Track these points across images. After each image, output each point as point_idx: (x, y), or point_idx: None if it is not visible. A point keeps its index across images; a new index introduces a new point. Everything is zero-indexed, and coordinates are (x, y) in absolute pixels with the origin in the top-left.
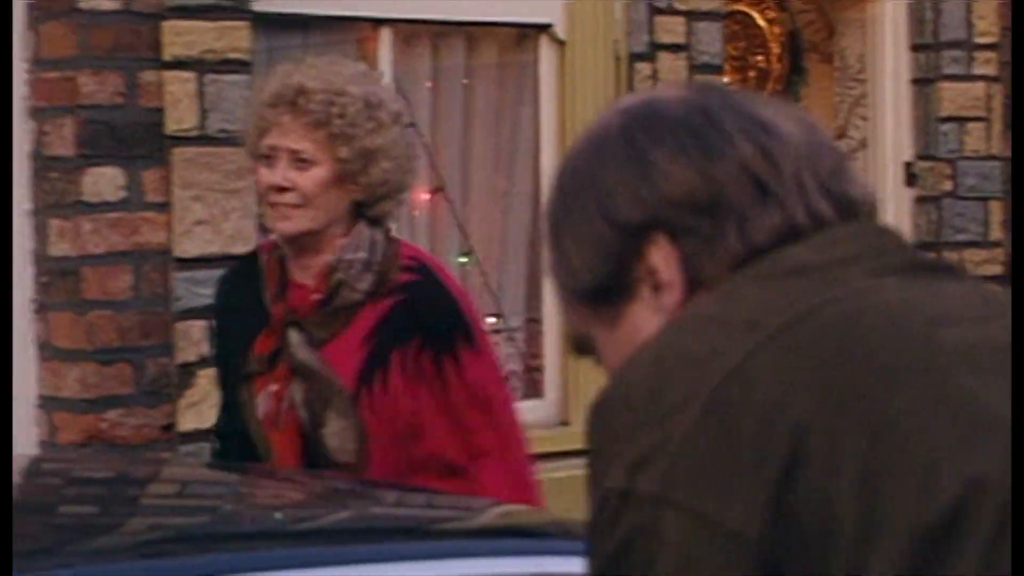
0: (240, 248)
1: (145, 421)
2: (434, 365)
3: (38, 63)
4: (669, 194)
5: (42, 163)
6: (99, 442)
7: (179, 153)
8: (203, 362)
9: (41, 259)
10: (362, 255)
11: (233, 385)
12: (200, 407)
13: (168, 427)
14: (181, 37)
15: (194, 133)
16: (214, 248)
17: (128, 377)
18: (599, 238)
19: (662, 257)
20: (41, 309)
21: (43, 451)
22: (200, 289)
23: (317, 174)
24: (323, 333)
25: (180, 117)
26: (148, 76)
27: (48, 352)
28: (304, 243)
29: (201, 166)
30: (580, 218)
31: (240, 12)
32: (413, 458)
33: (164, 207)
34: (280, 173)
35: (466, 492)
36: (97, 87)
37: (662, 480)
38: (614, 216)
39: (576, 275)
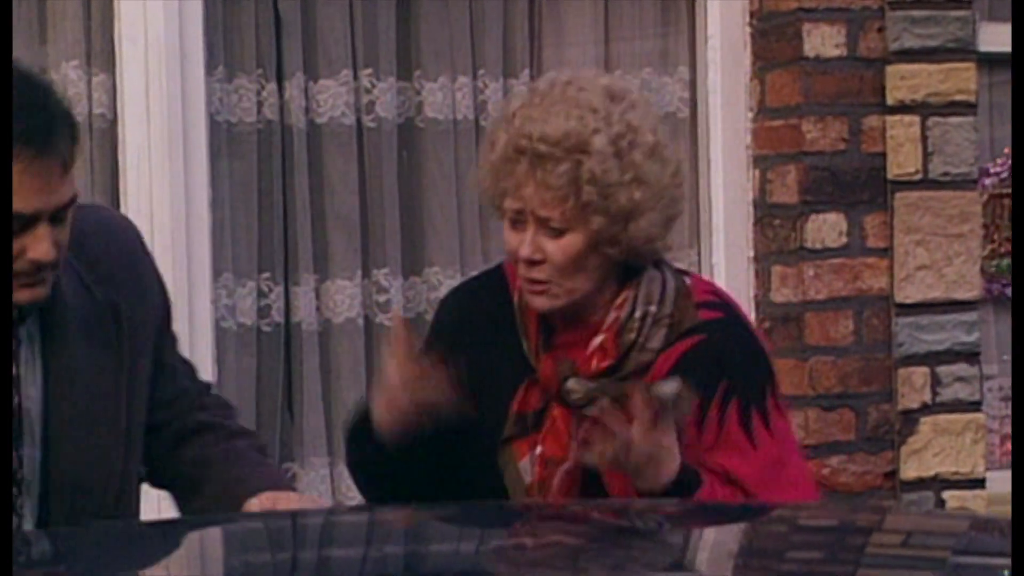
0: (963, 294)
1: (867, 468)
2: (741, 418)
3: (762, 111)
4: None
5: (765, 210)
6: (822, 489)
7: (901, 198)
8: (925, 408)
9: (763, 305)
10: (652, 308)
11: (474, 439)
12: (923, 455)
13: (890, 474)
14: (905, 81)
15: (917, 177)
16: (936, 293)
17: (850, 423)
18: None
19: None
20: None
21: None
22: (922, 335)
23: (571, 243)
24: (611, 399)
25: (902, 162)
26: (871, 121)
27: None
28: (568, 311)
29: (923, 210)
30: None
31: (965, 52)
32: None
33: (886, 252)
34: (529, 241)
35: None
36: (820, 134)
37: None
38: None
39: None
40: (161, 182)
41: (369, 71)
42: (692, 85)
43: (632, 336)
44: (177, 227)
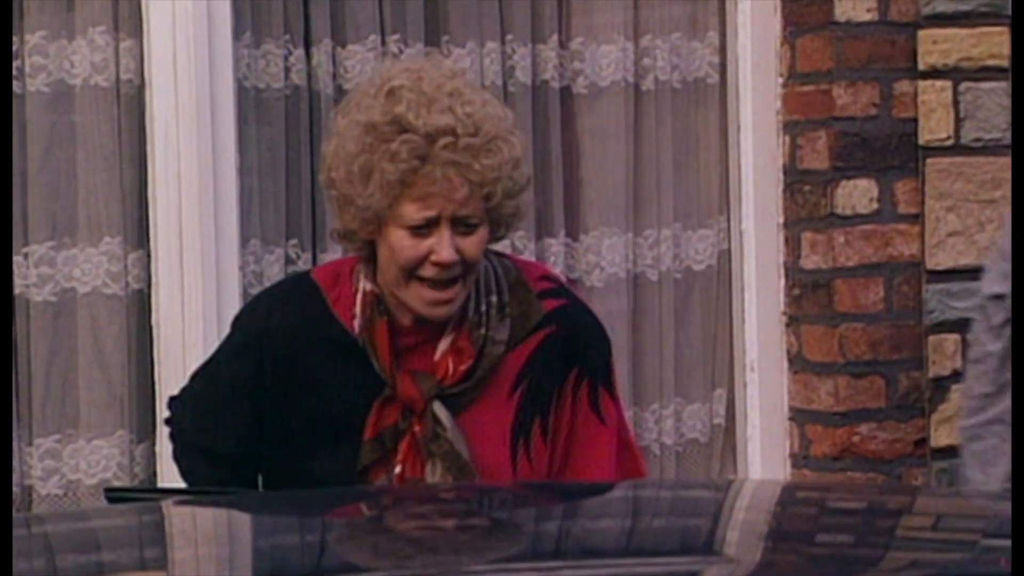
0: None
1: (897, 435)
2: (590, 396)
3: (793, 77)
4: None
5: (795, 176)
6: (852, 456)
7: (932, 164)
8: (956, 376)
9: (793, 272)
10: (493, 298)
11: (303, 457)
12: (953, 422)
13: (920, 442)
14: (937, 46)
15: (949, 143)
16: (968, 260)
17: (880, 391)
18: None
19: None
20: (792, 322)
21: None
22: (953, 302)
23: (482, 236)
24: (467, 399)
25: (934, 127)
26: (903, 86)
27: (799, 365)
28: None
29: (955, 176)
30: None
31: (998, 17)
32: None
33: (916, 219)
34: (449, 243)
35: None
36: (851, 99)
37: None
38: None
39: None
40: (189, 148)
41: (397, 36)
42: (722, 50)
43: (483, 331)
44: (205, 193)
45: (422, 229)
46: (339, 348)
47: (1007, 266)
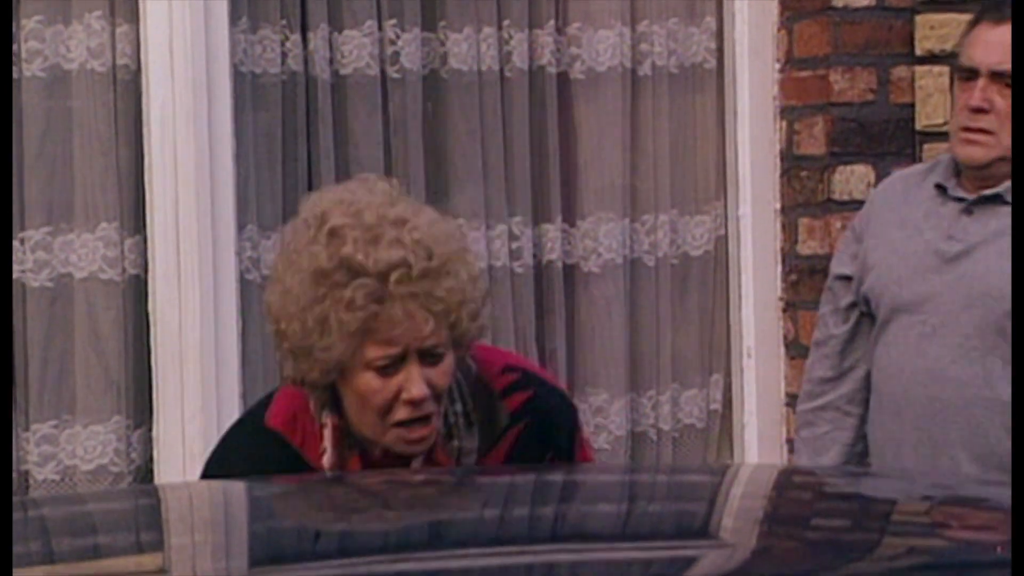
0: None
1: None
2: None
3: (790, 62)
4: None
5: (792, 162)
6: None
7: (930, 149)
8: None
9: (790, 257)
10: (459, 407)
11: None
12: None
13: None
14: (935, 31)
15: (946, 128)
16: None
17: None
18: None
19: None
20: (789, 307)
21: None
22: None
23: (449, 363)
24: None
25: (931, 112)
26: (900, 72)
27: (795, 350)
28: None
29: None
30: None
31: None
32: None
33: None
34: (418, 378)
35: None
36: (848, 84)
37: None
38: None
39: None
40: (185, 134)
41: (393, 22)
42: (719, 35)
43: (455, 443)
44: (201, 179)
45: (388, 368)
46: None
47: (857, 247)
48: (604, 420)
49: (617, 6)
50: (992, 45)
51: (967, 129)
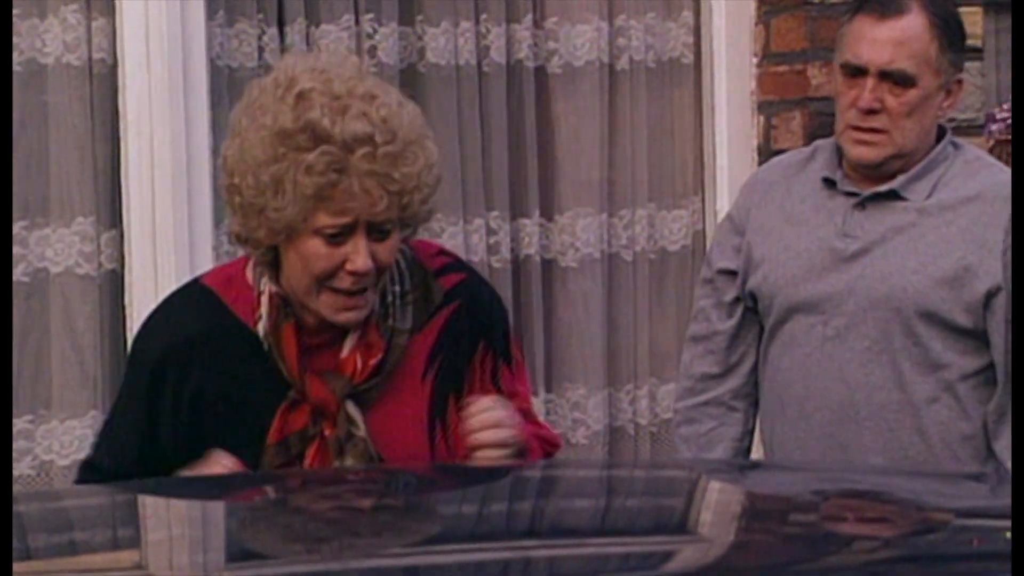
0: None
1: None
2: (493, 371)
3: (767, 57)
4: None
5: (769, 157)
6: None
7: None
8: None
9: None
10: (396, 288)
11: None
12: None
13: None
14: None
15: None
16: None
17: None
18: None
19: None
20: None
21: None
22: None
23: (395, 240)
24: (377, 392)
25: None
26: None
27: None
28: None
29: None
30: None
31: None
32: None
33: None
34: (364, 250)
35: None
36: (826, 79)
37: None
38: None
39: None
40: (162, 128)
41: (371, 16)
42: (696, 30)
43: (390, 322)
44: (178, 173)
45: (337, 237)
46: (243, 351)
47: (739, 240)
48: (582, 415)
49: (595, 1)
50: (880, 43)
51: (858, 129)
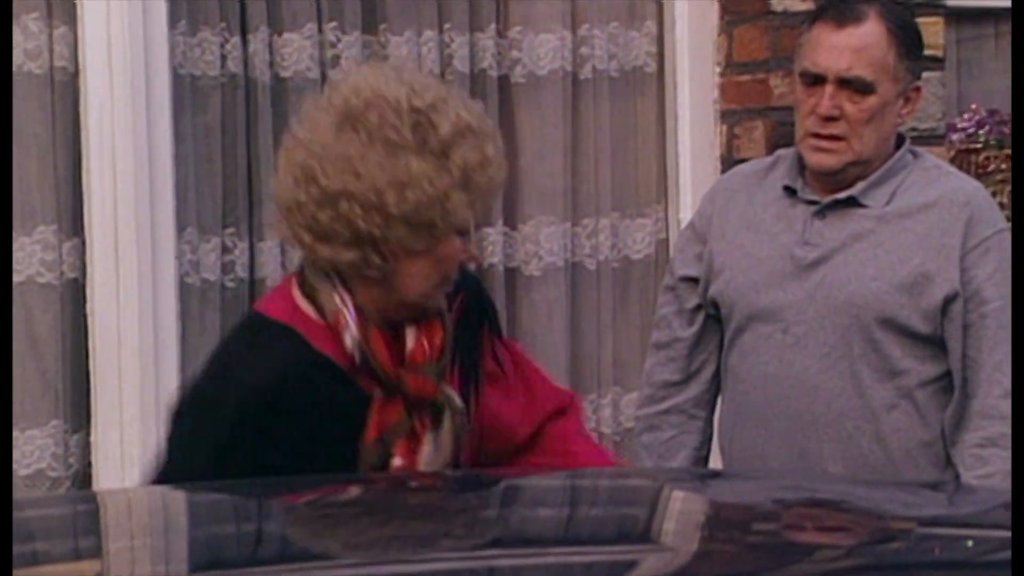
0: None
1: None
2: (494, 353)
3: (730, 66)
4: None
5: (732, 166)
6: None
7: None
8: None
9: None
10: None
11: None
12: None
13: None
14: None
15: None
16: None
17: None
18: None
19: None
20: None
21: None
22: None
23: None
24: (442, 367)
25: None
26: None
27: None
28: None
29: None
30: None
31: (934, 7)
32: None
33: None
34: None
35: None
36: (788, 89)
37: None
38: None
39: None
40: (124, 136)
41: (334, 24)
42: (659, 40)
43: (436, 305)
44: (140, 182)
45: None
46: (322, 376)
47: (701, 248)
48: None
49: (558, 10)
50: (839, 51)
51: (817, 136)
